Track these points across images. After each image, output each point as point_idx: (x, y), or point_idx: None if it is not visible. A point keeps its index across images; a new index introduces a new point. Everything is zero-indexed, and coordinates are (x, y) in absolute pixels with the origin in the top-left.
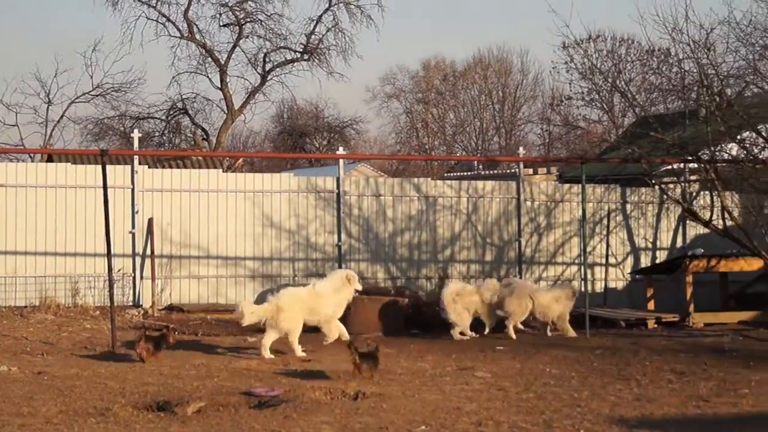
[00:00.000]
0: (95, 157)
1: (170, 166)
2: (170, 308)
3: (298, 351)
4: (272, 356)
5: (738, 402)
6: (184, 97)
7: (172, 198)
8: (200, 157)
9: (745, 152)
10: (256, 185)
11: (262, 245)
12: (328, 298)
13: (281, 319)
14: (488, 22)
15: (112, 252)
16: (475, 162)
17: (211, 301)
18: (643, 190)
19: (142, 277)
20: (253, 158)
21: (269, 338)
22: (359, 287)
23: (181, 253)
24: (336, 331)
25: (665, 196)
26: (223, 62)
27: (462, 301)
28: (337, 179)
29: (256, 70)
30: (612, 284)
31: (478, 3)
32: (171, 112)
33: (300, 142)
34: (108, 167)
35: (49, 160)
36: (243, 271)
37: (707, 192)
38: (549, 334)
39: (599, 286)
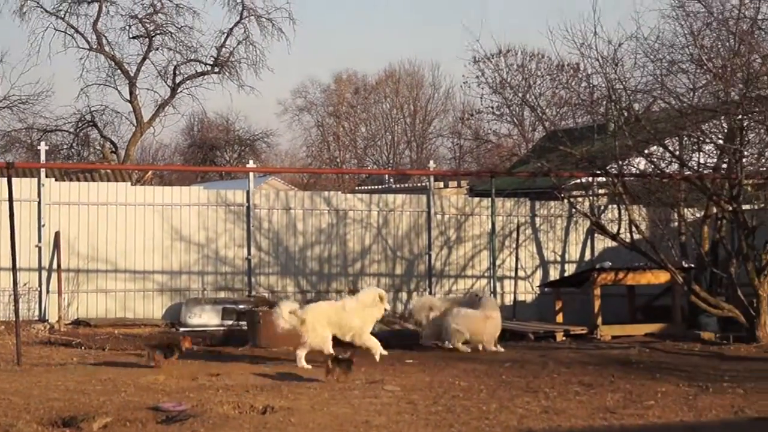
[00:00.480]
0: (1, 169)
1: (78, 179)
2: (77, 323)
3: (300, 362)
4: (307, 366)
5: (644, 414)
6: (92, 109)
7: (79, 211)
8: (109, 170)
9: (652, 166)
10: (165, 198)
11: (171, 259)
12: (356, 314)
13: (303, 331)
14: (400, 36)
15: (18, 266)
16: (386, 175)
17: (119, 316)
18: (552, 203)
19: (48, 292)
20: (162, 171)
21: (303, 350)
22: (388, 307)
23: (89, 266)
24: (372, 342)
25: (574, 210)
26: (132, 74)
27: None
28: (247, 192)
29: (166, 82)
30: (521, 297)
31: (390, 17)
32: (79, 125)
33: (210, 155)
34: (14, 180)
35: None
36: (151, 285)
37: (615, 205)
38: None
39: (508, 299)
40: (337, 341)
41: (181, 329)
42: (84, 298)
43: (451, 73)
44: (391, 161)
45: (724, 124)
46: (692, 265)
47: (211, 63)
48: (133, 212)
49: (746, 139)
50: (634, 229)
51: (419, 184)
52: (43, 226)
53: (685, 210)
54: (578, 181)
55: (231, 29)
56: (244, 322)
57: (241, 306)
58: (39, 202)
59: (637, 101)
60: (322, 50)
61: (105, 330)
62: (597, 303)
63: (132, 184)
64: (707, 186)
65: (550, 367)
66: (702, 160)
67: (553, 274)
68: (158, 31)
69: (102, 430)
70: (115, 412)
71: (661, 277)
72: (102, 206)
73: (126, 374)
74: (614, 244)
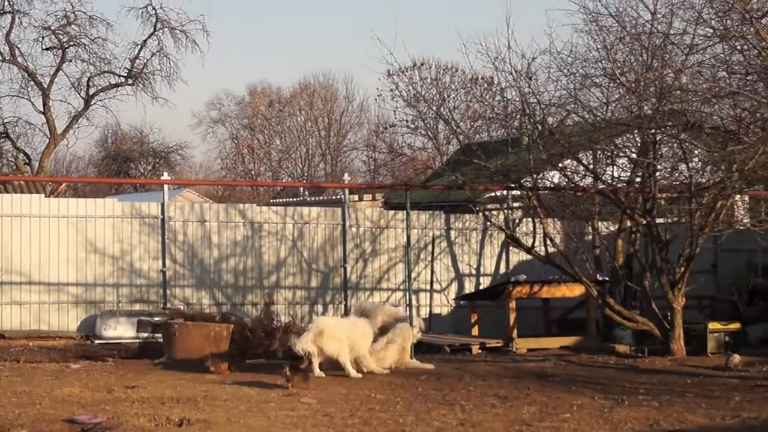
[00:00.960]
0: None
1: None
2: None
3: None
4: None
5: (560, 426)
6: (5, 120)
7: None
8: (22, 182)
9: (566, 180)
10: (79, 210)
11: (86, 271)
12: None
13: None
14: (314, 49)
15: None
16: (301, 188)
17: (34, 328)
18: (467, 216)
19: None
20: (76, 183)
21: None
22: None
23: (2, 278)
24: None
25: (489, 223)
26: (45, 86)
27: None
28: (162, 205)
29: (79, 94)
30: (437, 310)
31: (304, 29)
32: None
33: (124, 167)
34: None
35: None
36: (66, 297)
37: (530, 219)
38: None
39: (424, 312)
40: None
41: (96, 341)
42: None
43: (365, 86)
44: (305, 174)
45: (638, 138)
46: (607, 279)
47: (125, 75)
48: (47, 224)
49: (659, 153)
50: (548, 242)
51: (334, 197)
52: None
53: (600, 223)
54: (493, 194)
55: (145, 41)
56: (159, 335)
57: (156, 318)
58: None
59: (551, 115)
60: (236, 63)
61: (19, 342)
62: (512, 316)
63: (46, 196)
64: (621, 199)
65: (466, 380)
66: (616, 174)
67: (469, 287)
68: (71, 43)
69: None
70: (30, 425)
71: (576, 290)
72: (16, 218)
73: (41, 386)
74: (529, 257)
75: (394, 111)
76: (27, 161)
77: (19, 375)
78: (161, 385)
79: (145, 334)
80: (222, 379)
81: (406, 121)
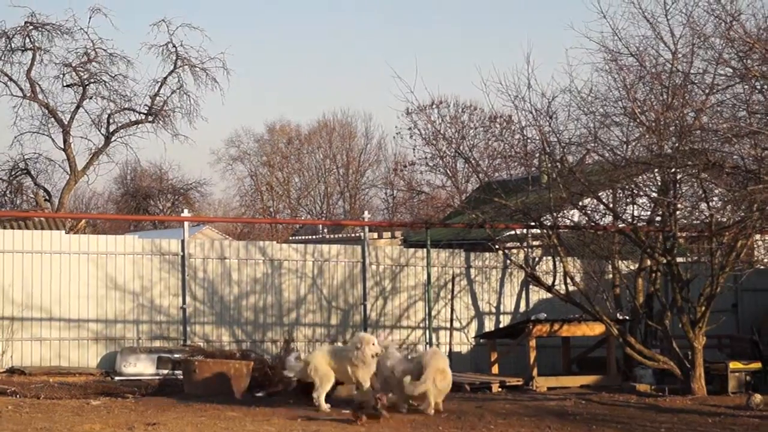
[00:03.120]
0: None
1: (12, 227)
2: (11, 371)
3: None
4: None
5: None
6: (26, 157)
7: (14, 259)
8: (42, 218)
9: (586, 218)
10: (99, 247)
11: (106, 307)
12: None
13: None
14: (333, 87)
15: None
16: (320, 226)
17: (54, 364)
18: (487, 255)
19: None
20: (96, 220)
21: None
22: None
23: (23, 314)
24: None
25: (509, 261)
26: (66, 123)
27: None
28: (182, 241)
29: (99, 131)
30: (457, 348)
31: (323, 67)
32: (13, 173)
33: (143, 204)
34: None
35: None
36: (86, 333)
37: (550, 257)
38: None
39: (444, 350)
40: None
41: (116, 378)
42: (18, 346)
43: (384, 123)
44: (324, 211)
45: (658, 177)
46: (627, 317)
47: (145, 112)
48: (68, 260)
49: (680, 191)
50: (568, 280)
51: (353, 235)
52: None
53: (620, 262)
54: (513, 232)
55: (165, 78)
56: (179, 371)
57: (176, 355)
58: None
59: (571, 153)
60: (255, 100)
61: (40, 378)
62: (532, 354)
63: (66, 233)
64: (641, 238)
65: (487, 419)
66: (636, 213)
67: (489, 326)
68: (92, 80)
69: None
70: None
71: (596, 329)
72: (36, 254)
73: (62, 423)
74: (549, 295)
75: (413, 149)
76: (47, 197)
77: (40, 411)
78: (182, 422)
79: (166, 371)
80: (241, 416)
81: (425, 158)
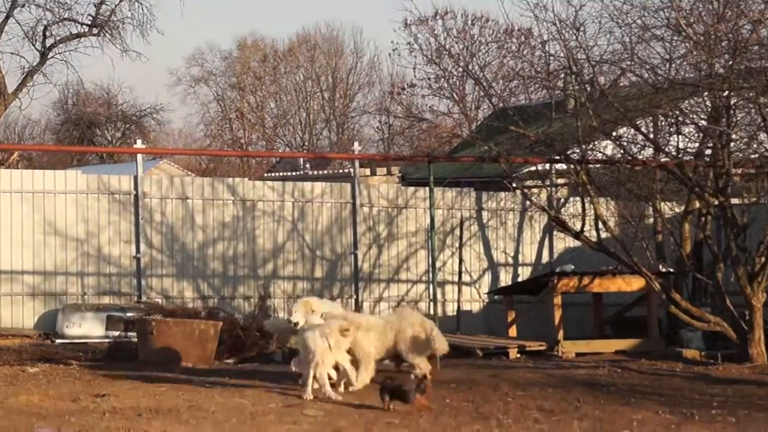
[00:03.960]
0: None
1: None
2: None
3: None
4: None
5: None
6: None
7: None
8: None
9: (621, 152)
10: (35, 184)
11: (44, 257)
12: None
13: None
14: None
15: None
16: (302, 160)
17: None
18: (503, 195)
19: None
20: (31, 152)
21: None
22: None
23: None
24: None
25: (528, 203)
26: None
27: None
28: (135, 178)
29: (34, 45)
30: (466, 306)
31: None
32: None
33: (88, 133)
34: None
35: None
36: (21, 287)
37: (578, 198)
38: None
39: (451, 309)
40: None
41: (58, 341)
42: None
43: (377, 38)
44: (306, 143)
45: (708, 102)
46: (671, 270)
47: (89, 23)
48: None
49: (734, 119)
50: (600, 226)
51: (341, 171)
52: None
53: (662, 204)
54: (533, 168)
55: None
56: (133, 333)
57: (129, 314)
58: None
59: (603, 74)
60: (222, 10)
61: None
62: (557, 314)
63: None
64: (688, 175)
65: (503, 390)
66: (681, 145)
67: (505, 279)
68: None
69: None
70: None
71: (634, 283)
72: None
73: None
74: (577, 243)
75: (413, 68)
76: None
77: None
78: (137, 393)
79: (116, 333)
80: (208, 387)
81: (428, 80)
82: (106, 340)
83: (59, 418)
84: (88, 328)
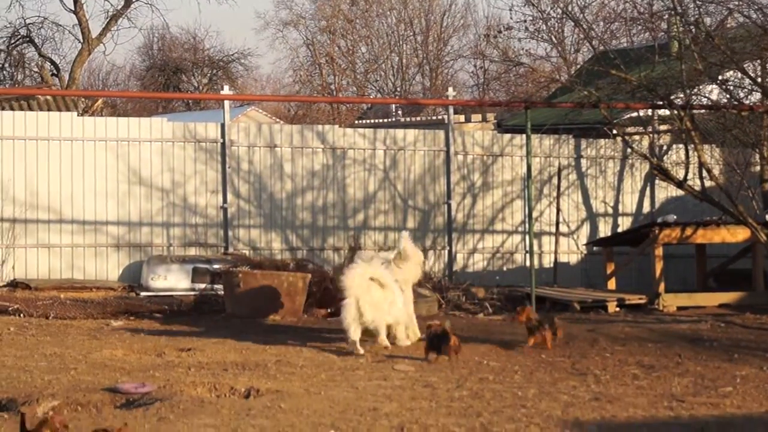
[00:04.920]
0: None
1: (11, 108)
2: (14, 284)
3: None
4: None
5: (720, 402)
6: (28, 21)
7: (14, 147)
8: (49, 97)
9: (727, 96)
10: (120, 133)
11: (129, 207)
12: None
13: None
14: None
15: None
16: (394, 106)
17: (66, 276)
18: (602, 142)
19: None
20: (115, 99)
21: None
22: None
23: (27, 216)
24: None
25: (629, 150)
26: None
27: None
28: (222, 126)
29: None
30: (564, 258)
31: None
32: (12, 41)
33: (174, 79)
34: None
35: None
36: (105, 239)
37: (681, 145)
38: None
39: (548, 261)
40: None
41: (143, 294)
42: (22, 254)
43: None
44: (398, 89)
45: None
46: None
47: None
48: (81, 149)
49: None
50: (705, 174)
51: (435, 118)
52: None
53: None
54: (635, 114)
55: None
56: (219, 286)
57: (216, 266)
58: None
59: (709, 14)
60: None
61: (48, 294)
62: (659, 266)
63: (79, 115)
64: None
65: (601, 345)
66: None
67: (604, 230)
68: None
69: (48, 414)
70: (63, 394)
71: (739, 234)
72: (42, 141)
73: (76, 348)
74: (680, 192)
75: (509, 10)
76: (55, 72)
77: (49, 334)
78: (223, 347)
79: (203, 285)
80: (299, 341)
81: (525, 22)
82: (192, 293)
83: (143, 372)
84: (173, 281)
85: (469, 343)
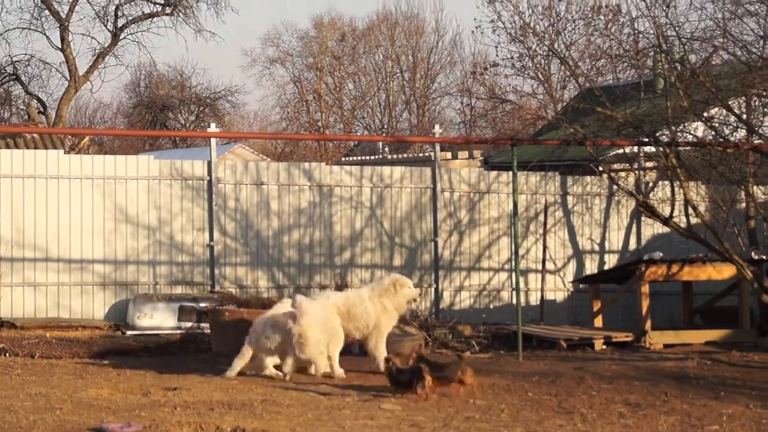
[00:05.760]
0: None
1: None
2: None
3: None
4: None
5: None
6: (15, 59)
7: (0, 184)
8: (36, 135)
9: (713, 133)
10: (106, 170)
11: (115, 245)
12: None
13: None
14: None
15: None
16: (381, 143)
17: (52, 315)
18: (589, 179)
19: None
20: (102, 136)
21: None
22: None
23: (13, 254)
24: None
25: (615, 187)
26: (64, 16)
27: None
28: (209, 163)
29: (105, 26)
30: (550, 295)
31: None
32: None
33: (161, 117)
34: None
35: None
36: (91, 277)
37: (667, 182)
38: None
39: (534, 298)
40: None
41: (129, 332)
42: (7, 292)
43: (459, 16)
44: (385, 126)
45: None
46: (764, 257)
47: (162, 2)
48: (68, 187)
49: None
50: (690, 211)
51: (422, 155)
52: None
53: (755, 188)
54: (621, 151)
55: None
56: (206, 324)
57: (202, 304)
58: None
59: (694, 52)
60: None
61: (34, 333)
62: (645, 303)
63: (65, 152)
64: None
65: (588, 383)
66: None
67: (590, 267)
68: None
69: None
70: None
71: (725, 271)
72: (28, 179)
73: (61, 388)
74: (666, 230)
75: (496, 47)
76: (42, 109)
77: (34, 373)
78: (209, 386)
79: (189, 324)
80: (282, 379)
81: (511, 59)
82: (179, 332)
83: (129, 412)
84: (159, 319)
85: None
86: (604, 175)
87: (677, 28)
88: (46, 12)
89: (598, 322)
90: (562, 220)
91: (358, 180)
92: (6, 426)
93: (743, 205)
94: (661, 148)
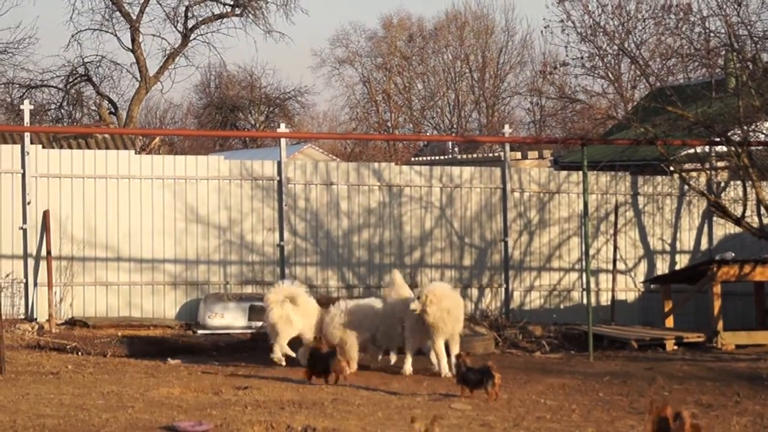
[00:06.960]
0: None
1: (70, 146)
2: (72, 322)
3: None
4: None
5: None
6: (86, 60)
7: (72, 185)
8: (107, 135)
9: None
10: (177, 170)
11: (186, 245)
12: None
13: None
14: None
15: None
16: (450, 143)
17: (123, 314)
18: (659, 179)
19: (36, 284)
20: (173, 137)
21: None
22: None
23: (85, 254)
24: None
25: (687, 187)
26: (134, 17)
27: None
28: (278, 164)
29: (175, 27)
30: (621, 295)
31: None
32: (70, 79)
33: (231, 117)
34: None
35: None
36: (162, 276)
37: (739, 182)
38: None
39: (605, 298)
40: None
41: (199, 331)
42: (80, 292)
43: (529, 16)
44: (455, 126)
45: None
46: None
47: (232, 3)
48: (138, 187)
49: None
50: (763, 211)
51: (491, 155)
52: (29, 203)
53: None
54: (692, 150)
55: None
56: None
57: None
58: (23, 175)
59: (766, 50)
60: None
61: (106, 332)
62: (717, 304)
63: (136, 153)
64: None
65: (659, 383)
66: None
67: (661, 268)
68: None
69: None
70: None
71: None
72: (100, 179)
73: (133, 386)
74: (738, 230)
75: (566, 47)
76: (113, 110)
77: (107, 372)
78: (280, 385)
79: (259, 323)
80: (353, 379)
81: (581, 58)
82: (249, 331)
83: (200, 411)
84: (230, 319)
85: (531, 381)
86: (675, 175)
87: (749, 27)
88: (117, 13)
89: (669, 322)
90: (633, 220)
91: (428, 180)
92: (79, 424)
93: None
94: (733, 148)
